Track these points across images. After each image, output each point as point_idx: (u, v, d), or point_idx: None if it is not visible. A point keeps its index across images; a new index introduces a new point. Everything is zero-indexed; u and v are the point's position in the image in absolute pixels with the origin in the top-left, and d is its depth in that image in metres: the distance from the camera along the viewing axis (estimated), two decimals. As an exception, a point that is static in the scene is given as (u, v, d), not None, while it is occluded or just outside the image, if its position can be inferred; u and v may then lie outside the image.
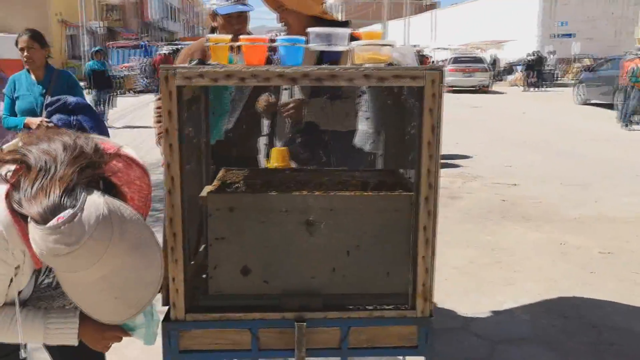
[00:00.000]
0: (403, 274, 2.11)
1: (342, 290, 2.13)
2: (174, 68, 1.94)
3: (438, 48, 41.34)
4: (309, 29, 2.22)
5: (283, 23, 3.17)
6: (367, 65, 2.00)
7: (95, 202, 1.63)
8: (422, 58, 20.61)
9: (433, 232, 2.05)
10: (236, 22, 3.33)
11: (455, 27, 48.00)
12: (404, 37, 42.84)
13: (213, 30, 3.40)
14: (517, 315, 4.52)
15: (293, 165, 3.17)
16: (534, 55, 29.05)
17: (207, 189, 2.26)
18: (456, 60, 28.03)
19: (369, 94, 2.90)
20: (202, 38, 3.41)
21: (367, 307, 2.11)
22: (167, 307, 2.06)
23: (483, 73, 27.85)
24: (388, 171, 2.64)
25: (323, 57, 2.72)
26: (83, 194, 1.60)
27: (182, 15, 65.74)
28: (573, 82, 26.37)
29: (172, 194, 1.99)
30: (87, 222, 1.52)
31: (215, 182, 2.34)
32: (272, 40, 2.24)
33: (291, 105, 3.25)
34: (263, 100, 3.30)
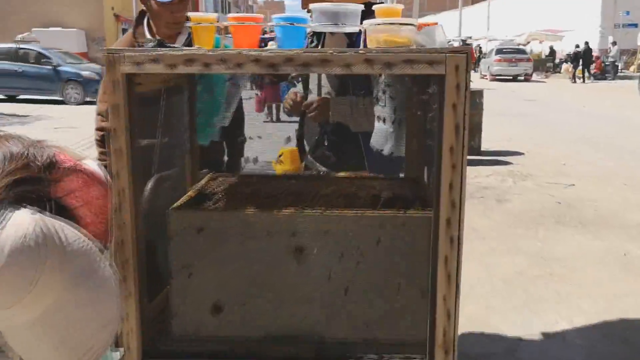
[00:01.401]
0: (418, 317, 1.63)
1: (339, 335, 1.67)
2: (121, 51, 1.51)
3: (492, 39, 40.22)
4: (311, 5, 1.77)
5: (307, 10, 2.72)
6: (371, 48, 1.52)
7: (21, 222, 1.20)
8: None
9: (457, 265, 1.57)
10: (176, 9, 2.57)
11: (512, 17, 46.45)
12: (458, 28, 41.68)
13: (141, 15, 2.74)
14: (571, 339, 3.95)
15: (315, 167, 2.81)
16: (578, 47, 28.19)
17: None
18: (500, 51, 30.93)
19: (393, 85, 2.41)
20: (128, 32, 2.76)
21: (371, 357, 1.65)
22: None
23: (526, 63, 31.02)
24: (408, 180, 2.15)
25: (355, 44, 2.27)
26: (7, 211, 1.18)
27: (235, 9, 66.17)
28: (637, 74, 25.14)
29: (121, 212, 1.56)
30: (1, 246, 1.11)
31: (190, 193, 1.91)
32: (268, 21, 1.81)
33: (314, 105, 2.81)
34: (289, 98, 2.89)
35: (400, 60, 1.48)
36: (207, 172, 2.55)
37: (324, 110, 2.81)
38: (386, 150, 2.32)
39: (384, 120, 2.34)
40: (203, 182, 2.07)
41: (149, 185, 2.02)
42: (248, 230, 1.66)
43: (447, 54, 1.47)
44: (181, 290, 1.67)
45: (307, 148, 3.12)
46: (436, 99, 1.63)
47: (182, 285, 1.67)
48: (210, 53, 1.50)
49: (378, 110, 2.37)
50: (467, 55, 1.48)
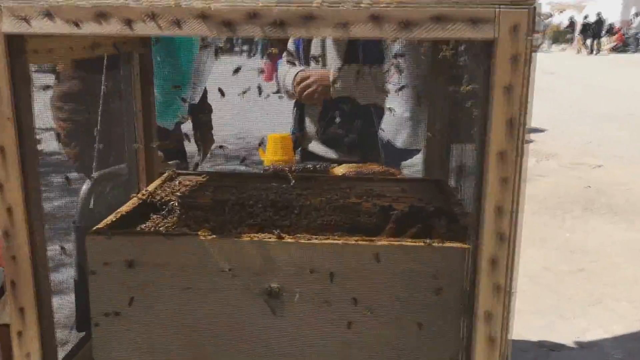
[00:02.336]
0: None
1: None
2: (-2, 0, 0.99)
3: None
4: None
5: None
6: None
7: None
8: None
9: (504, 328, 1.06)
10: None
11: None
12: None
13: None
14: (606, 350, 3.46)
15: (330, 155, 2.45)
16: (586, 18, 27.50)
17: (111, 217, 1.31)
18: None
19: (408, 54, 1.87)
20: None
21: None
22: None
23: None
24: (429, 184, 1.63)
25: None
26: None
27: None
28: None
29: (10, 238, 1.06)
30: None
31: (127, 205, 1.40)
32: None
33: (310, 80, 2.30)
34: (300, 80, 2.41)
35: (427, 17, 0.94)
36: (176, 163, 2.04)
37: (322, 88, 2.32)
38: (400, 142, 1.80)
39: (398, 103, 1.81)
40: (153, 185, 1.55)
41: (84, 190, 1.52)
42: (201, 265, 1.15)
43: (499, 8, 0.94)
44: (105, 345, 1.17)
45: (310, 131, 2.61)
46: (476, 76, 1.11)
47: (105, 338, 1.17)
48: (133, 4, 0.97)
49: (390, 89, 1.84)
50: (532, 10, 0.94)
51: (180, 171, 1.69)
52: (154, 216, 1.39)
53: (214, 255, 1.15)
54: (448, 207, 1.41)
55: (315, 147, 2.63)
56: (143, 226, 1.32)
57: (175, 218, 1.37)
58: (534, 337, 3.53)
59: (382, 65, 2.31)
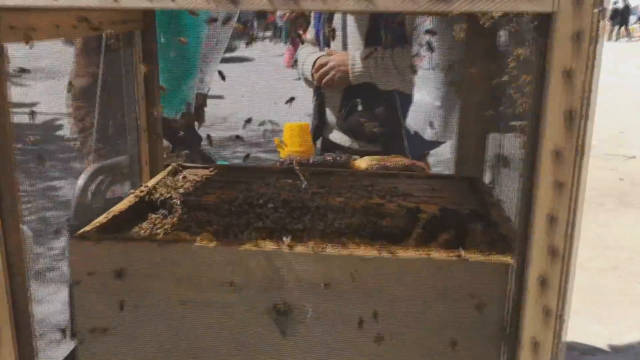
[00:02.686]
0: None
1: None
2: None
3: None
4: None
5: None
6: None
7: None
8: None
9: (554, 357, 0.89)
10: None
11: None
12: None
13: None
14: (646, 355, 3.24)
15: (351, 144, 2.32)
16: (616, 3, 26.79)
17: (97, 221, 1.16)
18: None
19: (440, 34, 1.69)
20: None
21: None
22: None
23: None
24: (462, 182, 1.45)
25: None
26: None
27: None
28: None
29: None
30: None
31: (127, 200, 1.25)
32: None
33: (328, 66, 2.15)
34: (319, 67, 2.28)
35: (469, -16, 0.77)
36: (185, 154, 1.89)
37: (342, 76, 2.16)
38: (429, 134, 1.62)
39: (427, 91, 1.63)
40: (154, 180, 1.40)
41: (79, 184, 1.37)
42: (200, 277, 1.00)
43: (560, -27, 0.76)
44: (91, 367, 1.03)
45: (331, 120, 2.45)
46: (527, 58, 0.93)
47: (91, 357, 1.03)
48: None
49: (420, 76, 1.66)
50: (601, -24, 0.76)
51: (186, 164, 1.54)
52: (153, 216, 1.24)
53: (214, 265, 1.00)
54: (485, 210, 1.24)
55: (337, 136, 2.47)
56: (138, 228, 1.16)
57: (175, 219, 1.21)
58: (565, 340, 3.33)
59: (406, 47, 2.14)
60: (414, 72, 1.76)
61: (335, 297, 0.99)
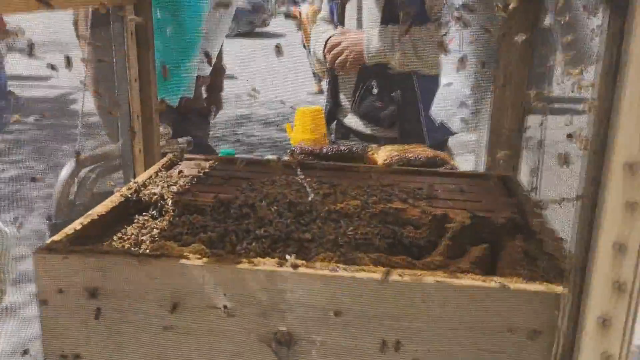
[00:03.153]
0: None
1: None
2: None
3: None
4: None
5: None
6: None
7: None
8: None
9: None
10: None
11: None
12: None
13: None
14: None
15: (367, 130, 2.16)
16: None
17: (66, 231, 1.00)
18: None
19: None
20: None
21: None
22: None
23: None
24: (494, 180, 1.28)
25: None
26: None
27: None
28: None
29: None
30: None
31: (111, 199, 1.09)
32: None
33: (342, 46, 2.00)
34: (333, 47, 2.14)
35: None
36: (187, 141, 1.74)
37: (357, 56, 2.00)
38: (456, 125, 1.44)
39: (455, 75, 1.44)
40: (146, 175, 1.24)
41: (62, 176, 1.22)
42: (187, 298, 0.84)
43: None
44: (62, 399, 0.88)
45: (345, 103, 2.28)
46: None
47: (64, 389, 0.88)
48: None
49: (448, 58, 1.47)
50: None
51: (185, 155, 1.38)
52: (140, 218, 1.08)
53: (205, 286, 0.84)
54: (523, 218, 1.06)
55: (351, 120, 2.30)
56: (121, 235, 1.01)
57: (165, 222, 1.06)
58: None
59: (426, 26, 1.96)
60: (443, 52, 1.58)
61: (346, 327, 0.83)
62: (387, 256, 0.95)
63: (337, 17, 2.19)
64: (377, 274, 0.82)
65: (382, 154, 1.73)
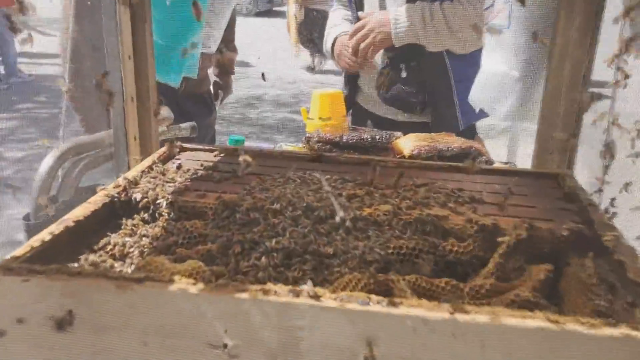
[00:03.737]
0: None
1: None
2: None
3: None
4: None
5: None
6: None
7: None
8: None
9: None
10: None
11: None
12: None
13: None
14: None
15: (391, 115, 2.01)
16: None
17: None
18: None
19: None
20: None
21: None
22: None
23: None
24: (545, 180, 1.09)
25: None
26: None
27: None
28: None
29: None
30: None
31: (93, 200, 0.91)
32: None
33: (367, 27, 1.83)
34: (342, 50, 2.02)
35: None
36: (189, 127, 1.56)
37: (384, 38, 1.81)
38: (501, 113, 1.25)
39: (499, 57, 1.24)
40: (139, 167, 1.06)
41: (43, 169, 1.05)
42: (177, 334, 0.67)
43: None
44: None
45: (365, 88, 2.10)
46: None
47: None
48: None
49: (492, 35, 1.27)
50: None
51: (185, 145, 1.20)
52: (129, 222, 0.91)
53: (201, 319, 0.66)
54: (592, 229, 0.88)
55: (373, 105, 2.11)
56: (103, 246, 0.83)
57: (159, 229, 0.88)
58: None
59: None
60: (477, 34, 1.38)
61: (380, 374, 0.65)
62: (428, 278, 0.77)
63: (357, 2, 2.02)
64: (419, 309, 0.64)
65: (408, 144, 1.55)
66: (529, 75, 1.19)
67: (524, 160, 1.88)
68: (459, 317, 0.63)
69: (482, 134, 2.12)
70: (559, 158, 1.17)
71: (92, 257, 0.79)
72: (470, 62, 1.71)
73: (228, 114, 6.17)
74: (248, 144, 1.92)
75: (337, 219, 0.84)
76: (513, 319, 0.62)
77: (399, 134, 1.68)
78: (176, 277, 0.67)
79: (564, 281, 0.82)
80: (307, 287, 0.66)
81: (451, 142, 1.56)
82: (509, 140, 2.30)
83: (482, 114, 1.65)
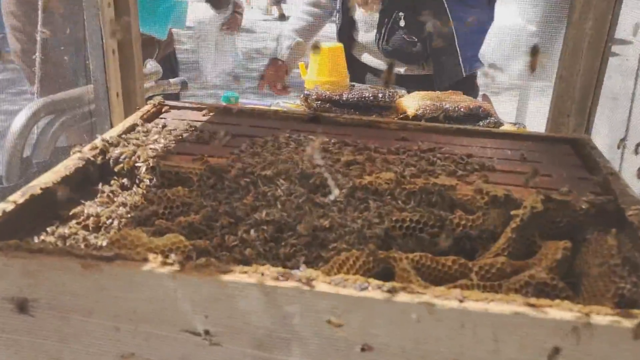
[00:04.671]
0: None
1: None
2: None
3: None
4: None
5: None
6: None
7: None
8: None
9: None
10: None
11: None
12: None
13: None
14: None
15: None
16: None
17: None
18: None
19: None
20: None
21: None
22: None
23: None
24: (563, 144, 1.00)
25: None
26: None
27: None
28: None
29: None
30: None
31: (66, 164, 0.83)
32: None
33: None
34: None
35: None
36: (179, 82, 1.47)
37: None
38: (513, 72, 1.15)
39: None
40: (121, 126, 0.98)
41: (15, 126, 0.96)
42: (153, 319, 0.59)
43: None
44: None
45: (362, 38, 2.00)
46: None
47: None
48: None
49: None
50: None
51: (171, 103, 1.11)
52: (106, 189, 0.83)
53: (178, 303, 0.59)
54: (614, 202, 0.80)
55: (370, 58, 2.01)
56: (77, 214, 0.76)
57: (138, 197, 0.80)
58: None
59: None
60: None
61: (378, 368, 0.58)
62: (432, 256, 0.70)
63: None
64: (427, 293, 0.56)
65: (413, 103, 1.46)
66: (547, 29, 1.09)
67: (534, 120, 1.79)
68: (470, 305, 0.56)
69: (488, 92, 2.02)
70: (576, 121, 1.08)
71: (62, 230, 0.71)
72: (470, 3, 1.61)
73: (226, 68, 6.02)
74: (244, 101, 1.83)
75: (332, 197, 0.76)
76: (531, 309, 0.55)
77: (402, 91, 1.58)
78: (151, 256, 0.60)
79: (581, 259, 0.74)
80: (300, 272, 0.58)
81: (458, 101, 1.47)
82: (518, 99, 2.20)
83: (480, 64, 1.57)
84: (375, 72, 2.00)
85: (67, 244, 0.69)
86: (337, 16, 2.01)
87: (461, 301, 0.56)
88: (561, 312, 0.55)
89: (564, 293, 0.66)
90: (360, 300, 0.56)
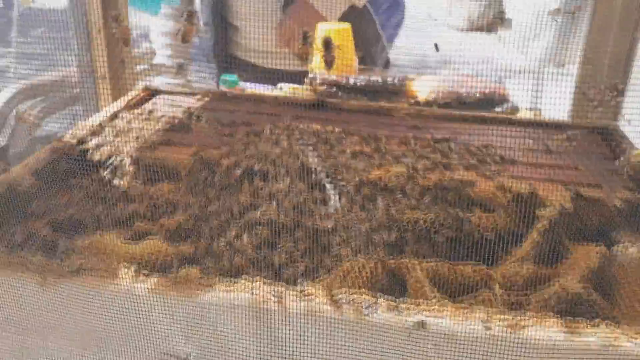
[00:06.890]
0: None
1: None
2: None
3: None
4: None
5: None
6: None
7: None
8: None
9: None
10: None
11: None
12: None
13: None
14: None
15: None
16: None
17: None
18: None
19: None
20: None
21: None
22: None
23: None
24: (590, 134, 0.91)
25: None
26: None
27: None
28: None
29: None
30: None
31: (37, 156, 0.74)
32: None
33: None
34: None
35: None
36: (178, 65, 1.38)
37: None
38: (535, 54, 1.05)
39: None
40: (106, 112, 0.89)
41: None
42: (124, 342, 0.51)
43: None
44: None
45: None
46: None
47: None
48: None
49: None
50: None
51: (160, 87, 1.02)
52: (83, 184, 0.74)
53: (155, 323, 0.50)
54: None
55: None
56: (48, 213, 0.67)
57: (117, 195, 0.72)
58: None
59: None
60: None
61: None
62: (449, 264, 0.61)
63: None
64: (441, 311, 0.48)
65: (424, 88, 1.36)
66: (572, 6, 0.99)
67: (550, 105, 1.67)
68: (497, 329, 0.47)
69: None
70: (603, 108, 0.98)
71: (24, 231, 0.63)
72: None
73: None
74: (244, 84, 1.73)
75: (331, 209, 0.67)
76: (571, 336, 0.46)
77: (413, 75, 1.48)
78: (123, 267, 0.51)
79: (613, 265, 0.66)
80: (298, 288, 0.50)
81: (473, 84, 1.38)
82: (534, 82, 2.08)
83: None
84: None
85: (28, 250, 0.61)
86: None
87: (487, 325, 0.47)
88: (605, 338, 0.46)
89: (599, 308, 0.58)
90: (366, 325, 0.48)
